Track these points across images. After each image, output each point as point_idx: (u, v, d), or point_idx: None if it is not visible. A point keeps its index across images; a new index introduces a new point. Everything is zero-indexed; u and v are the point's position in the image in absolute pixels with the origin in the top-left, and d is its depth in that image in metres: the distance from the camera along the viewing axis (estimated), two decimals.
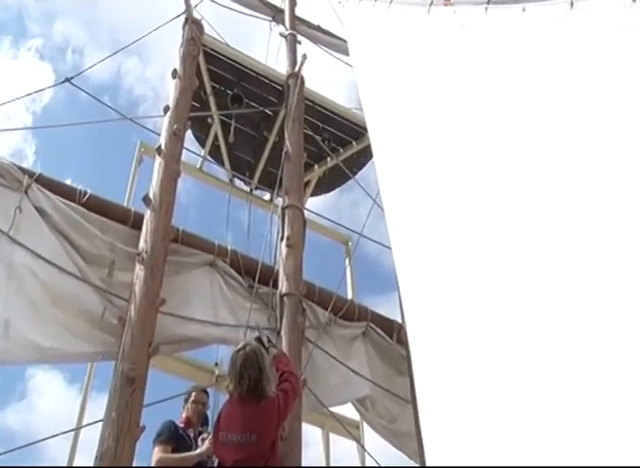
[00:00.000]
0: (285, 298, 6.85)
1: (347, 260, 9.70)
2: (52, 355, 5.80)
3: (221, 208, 8.97)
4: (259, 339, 5.94)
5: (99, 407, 6.30)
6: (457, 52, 3.61)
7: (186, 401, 6.43)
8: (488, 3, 3.42)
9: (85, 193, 6.61)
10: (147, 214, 6.57)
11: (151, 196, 6.66)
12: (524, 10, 3.41)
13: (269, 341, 6.07)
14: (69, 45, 18.96)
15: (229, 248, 7.17)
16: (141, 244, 6.35)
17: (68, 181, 6.87)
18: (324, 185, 10.22)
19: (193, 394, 6.42)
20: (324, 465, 8.21)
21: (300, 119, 8.58)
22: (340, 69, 10.09)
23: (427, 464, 2.24)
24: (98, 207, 6.62)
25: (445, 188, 3.10)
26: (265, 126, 9.64)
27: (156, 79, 18.53)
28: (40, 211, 6.27)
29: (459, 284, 2.69)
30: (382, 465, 7.08)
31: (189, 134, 8.47)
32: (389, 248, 8.53)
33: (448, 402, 2.40)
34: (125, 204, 7.84)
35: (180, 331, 6.40)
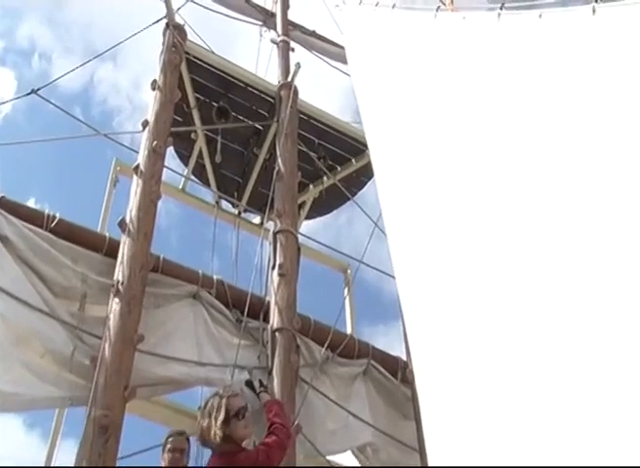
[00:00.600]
0: (277, 334, 6.84)
1: (346, 290, 9.65)
2: (14, 402, 5.73)
3: (206, 232, 8.94)
4: (249, 383, 5.85)
5: (65, 456, 6.28)
6: (466, 61, 3.56)
7: (164, 449, 6.30)
8: (501, 9, 3.38)
9: (53, 218, 6.57)
10: (124, 241, 6.52)
11: (128, 221, 6.63)
12: (540, 16, 3.37)
13: (261, 385, 5.98)
14: (35, 49, 18.85)
15: (215, 277, 7.15)
16: (117, 274, 6.31)
17: (31, 202, 6.84)
18: (320, 207, 10.21)
19: (170, 440, 6.28)
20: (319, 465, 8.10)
21: (294, 134, 8.58)
22: (339, 79, 10.08)
23: None
24: (68, 233, 6.56)
25: (453, 210, 3.06)
26: (255, 142, 9.61)
27: (133, 88, 18.46)
28: (2, 238, 6.21)
29: (469, 316, 2.64)
30: (381, 465, 7.09)
31: (171, 151, 8.43)
32: (392, 276, 8.49)
33: (461, 452, 2.35)
34: (98, 229, 7.81)
35: (161, 372, 6.34)
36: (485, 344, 2.43)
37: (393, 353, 7.88)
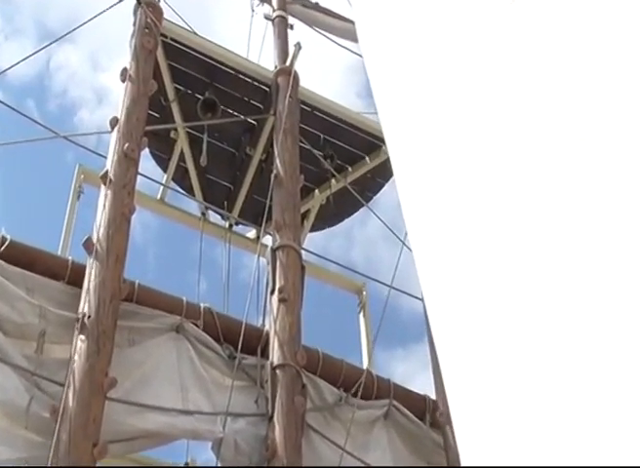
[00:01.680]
0: (278, 371, 6.79)
1: (361, 315, 9.61)
2: None
3: (191, 251, 8.92)
4: None
5: None
6: (508, 33, 3.37)
7: None
8: None
9: (3, 240, 6.50)
10: (90, 265, 6.44)
11: (95, 240, 6.54)
12: None
13: None
14: None
15: (202, 305, 7.11)
16: (82, 306, 6.22)
17: None
18: (328, 216, 10.21)
19: None
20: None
21: (295, 130, 8.59)
22: (339, 58, 10.01)
23: None
24: (21, 257, 6.50)
25: (492, 217, 2.88)
26: (248, 140, 9.60)
27: (98, 75, 18.29)
28: None
29: (518, 343, 2.47)
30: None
31: (146, 153, 8.48)
32: (419, 298, 8.40)
33: None
34: (59, 252, 7.81)
35: (138, 424, 6.25)
36: (541, 378, 2.25)
37: (416, 387, 7.97)
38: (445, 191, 3.16)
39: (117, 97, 7.75)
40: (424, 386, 7.89)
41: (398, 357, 13.22)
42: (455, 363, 2.66)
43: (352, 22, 9.05)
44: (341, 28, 10.34)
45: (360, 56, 10.52)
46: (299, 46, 9.06)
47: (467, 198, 3.02)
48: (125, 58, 7.95)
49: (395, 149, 3.72)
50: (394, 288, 8.00)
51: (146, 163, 8.93)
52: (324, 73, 12.74)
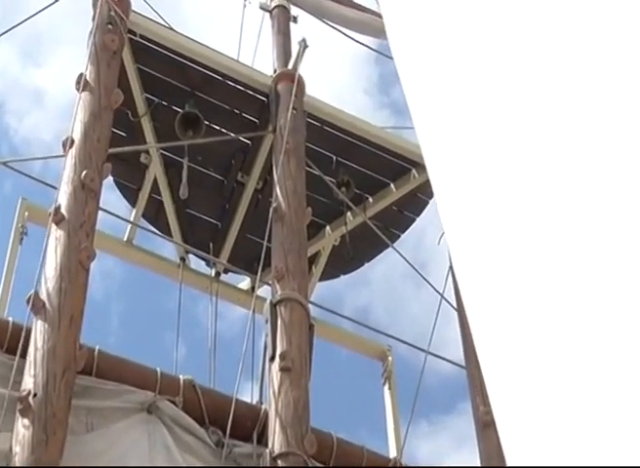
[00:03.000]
0: (280, 462, 6.72)
1: (387, 387, 9.47)
2: None
3: (167, 306, 8.82)
4: None
5: None
6: (570, 26, 3.28)
7: None
8: None
9: None
10: (37, 328, 6.38)
11: (43, 296, 6.49)
12: None
13: None
14: None
15: (182, 378, 7.12)
16: (27, 381, 6.14)
17: None
18: (342, 260, 10.14)
19: None
20: None
21: (300, 151, 8.63)
22: (355, 53, 9.95)
23: None
24: None
25: (564, 252, 2.77)
26: (240, 164, 9.60)
27: (47, 82, 18.29)
28: None
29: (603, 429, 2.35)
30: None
31: (110, 183, 8.53)
32: (462, 366, 8.32)
33: None
34: None
35: None
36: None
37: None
38: (506, 223, 3.01)
39: (55, 103, 7.78)
40: None
41: (422, 433, 13.11)
42: (524, 449, 2.51)
43: (372, 12, 9.00)
44: (358, 20, 10.32)
45: (389, 57, 10.46)
46: (304, 43, 9.13)
47: (532, 231, 2.87)
48: (65, 50, 7.97)
49: (437, 172, 3.57)
50: (431, 353, 7.91)
51: (110, 195, 9.04)
52: (325, 67, 12.69)
